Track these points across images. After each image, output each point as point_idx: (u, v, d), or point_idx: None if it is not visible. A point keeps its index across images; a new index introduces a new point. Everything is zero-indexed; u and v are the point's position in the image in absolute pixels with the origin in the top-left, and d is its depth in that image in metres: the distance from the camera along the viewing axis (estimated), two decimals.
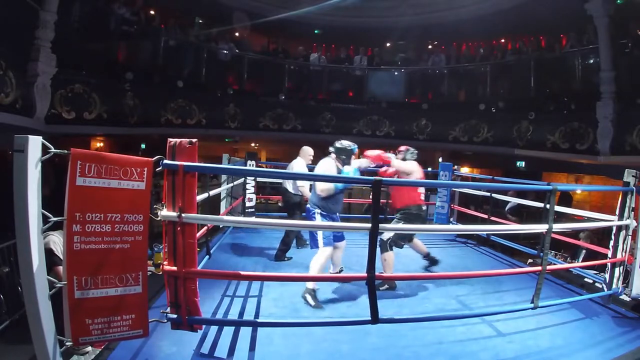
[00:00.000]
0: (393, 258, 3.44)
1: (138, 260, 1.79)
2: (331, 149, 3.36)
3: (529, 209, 5.52)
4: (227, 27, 8.98)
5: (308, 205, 3.39)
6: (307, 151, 4.59)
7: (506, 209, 6.72)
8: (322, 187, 3.14)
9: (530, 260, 4.78)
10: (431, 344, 2.46)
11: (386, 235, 3.41)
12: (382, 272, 3.11)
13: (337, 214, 3.36)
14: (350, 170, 3.26)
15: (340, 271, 3.51)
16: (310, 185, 3.89)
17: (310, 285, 3.07)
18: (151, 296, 2.69)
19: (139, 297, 1.80)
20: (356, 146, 3.40)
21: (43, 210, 1.59)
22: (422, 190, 3.76)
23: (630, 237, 3.00)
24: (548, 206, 2.61)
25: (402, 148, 3.86)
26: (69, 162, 1.60)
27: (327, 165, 3.31)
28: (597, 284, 3.59)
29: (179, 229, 1.86)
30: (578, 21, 6.95)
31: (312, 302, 2.98)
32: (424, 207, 3.74)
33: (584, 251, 4.95)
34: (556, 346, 2.50)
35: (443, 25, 8.88)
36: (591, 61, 6.86)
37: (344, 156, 3.31)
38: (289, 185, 4.59)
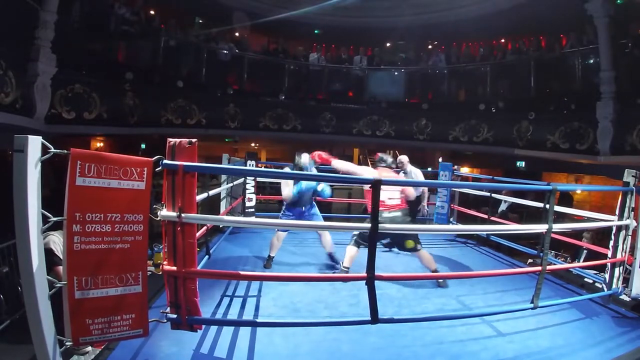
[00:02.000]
0: (353, 254, 3.52)
1: (138, 260, 1.79)
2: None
3: (529, 208, 5.52)
4: (227, 27, 8.99)
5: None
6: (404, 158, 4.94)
7: (504, 209, 6.70)
8: (284, 195, 3.75)
9: (530, 260, 4.78)
10: (431, 344, 2.46)
11: (356, 232, 3.53)
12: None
13: (304, 206, 3.88)
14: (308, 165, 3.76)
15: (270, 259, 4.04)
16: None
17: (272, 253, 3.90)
18: (151, 296, 2.69)
19: (139, 296, 1.80)
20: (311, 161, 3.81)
21: (43, 210, 1.59)
22: (386, 197, 3.36)
23: (630, 237, 3.00)
24: (548, 206, 2.61)
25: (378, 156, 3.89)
26: (69, 162, 1.60)
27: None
28: (597, 284, 3.59)
29: (178, 229, 1.86)
30: (578, 21, 6.96)
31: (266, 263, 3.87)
32: (389, 214, 3.35)
33: (585, 251, 4.95)
34: (556, 346, 2.50)
35: (443, 25, 8.89)
36: (591, 61, 6.87)
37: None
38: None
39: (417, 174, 5.00)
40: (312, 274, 3.68)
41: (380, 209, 3.12)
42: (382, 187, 3.02)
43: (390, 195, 3.42)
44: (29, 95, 4.96)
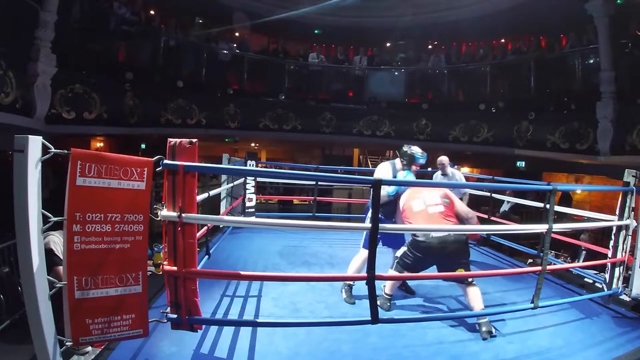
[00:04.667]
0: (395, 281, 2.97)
1: (138, 260, 1.79)
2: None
3: (529, 208, 5.51)
4: (227, 27, 9.00)
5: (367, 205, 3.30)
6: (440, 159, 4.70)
7: (507, 210, 6.70)
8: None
9: (530, 260, 4.78)
10: (431, 344, 2.46)
11: (399, 252, 2.95)
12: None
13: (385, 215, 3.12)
14: (403, 175, 3.14)
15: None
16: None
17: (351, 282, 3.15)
18: (151, 296, 2.69)
19: (139, 297, 1.80)
20: (424, 156, 3.18)
21: (43, 210, 1.59)
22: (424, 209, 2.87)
23: (630, 237, 3.00)
24: (548, 206, 2.61)
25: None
26: (69, 162, 1.60)
27: (384, 169, 3.26)
28: (597, 284, 3.59)
29: (179, 229, 1.86)
30: (578, 21, 6.96)
31: (344, 295, 3.09)
32: (434, 233, 2.74)
33: (584, 252, 4.96)
34: (556, 346, 2.50)
35: (443, 25, 8.90)
36: (591, 61, 6.88)
37: (406, 161, 3.18)
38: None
39: (460, 178, 4.68)
40: (312, 274, 3.69)
41: (425, 225, 2.76)
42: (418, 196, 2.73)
43: (431, 206, 2.81)
44: (29, 95, 4.96)
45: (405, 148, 3.19)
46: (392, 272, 2.90)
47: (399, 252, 2.94)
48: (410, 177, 3.16)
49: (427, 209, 2.82)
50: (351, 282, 3.14)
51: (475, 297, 2.70)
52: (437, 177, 4.93)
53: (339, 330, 2.49)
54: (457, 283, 2.88)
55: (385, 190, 3.00)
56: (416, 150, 3.17)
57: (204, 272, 2.36)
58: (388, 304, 2.95)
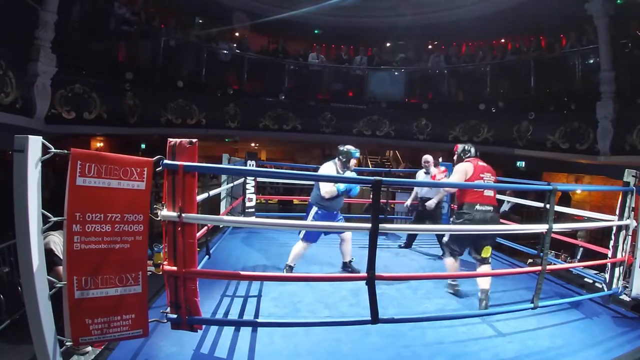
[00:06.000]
0: (453, 265, 3.27)
1: (138, 260, 1.79)
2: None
3: (529, 208, 5.51)
4: (227, 27, 8.99)
5: (310, 201, 3.67)
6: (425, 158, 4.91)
7: (507, 209, 6.70)
8: (325, 191, 3.43)
9: (530, 260, 4.78)
10: (431, 344, 2.46)
11: (445, 238, 3.32)
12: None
13: (336, 210, 3.63)
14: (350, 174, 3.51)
15: (351, 261, 3.83)
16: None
17: (289, 262, 3.59)
18: (151, 296, 2.69)
19: (139, 297, 1.80)
20: (357, 151, 3.58)
21: (43, 210, 1.59)
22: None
23: (630, 237, 3.00)
24: (548, 206, 2.61)
25: (459, 147, 3.65)
26: (69, 162, 1.60)
27: (327, 168, 3.61)
28: (597, 284, 3.59)
29: (179, 229, 1.86)
30: (578, 21, 6.96)
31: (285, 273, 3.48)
32: (482, 207, 3.13)
33: (581, 249, 4.97)
34: (556, 346, 2.50)
35: (443, 25, 8.90)
36: (591, 61, 6.87)
37: (344, 159, 3.54)
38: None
39: (442, 176, 4.86)
40: (312, 274, 3.69)
41: (469, 201, 3.13)
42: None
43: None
44: (29, 95, 4.96)
45: (341, 147, 3.57)
46: (448, 259, 3.26)
47: (445, 238, 3.29)
48: (353, 175, 3.55)
49: (484, 190, 3.15)
50: (291, 264, 3.57)
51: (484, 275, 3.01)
52: (420, 175, 4.97)
53: (338, 330, 2.49)
54: (475, 260, 3.18)
55: (336, 186, 3.37)
56: (350, 147, 3.57)
57: (204, 272, 2.36)
58: (457, 287, 3.28)
